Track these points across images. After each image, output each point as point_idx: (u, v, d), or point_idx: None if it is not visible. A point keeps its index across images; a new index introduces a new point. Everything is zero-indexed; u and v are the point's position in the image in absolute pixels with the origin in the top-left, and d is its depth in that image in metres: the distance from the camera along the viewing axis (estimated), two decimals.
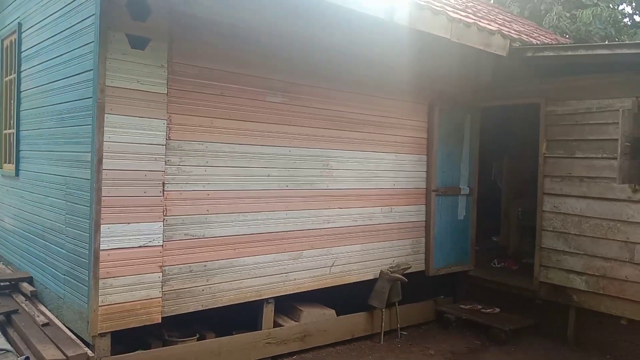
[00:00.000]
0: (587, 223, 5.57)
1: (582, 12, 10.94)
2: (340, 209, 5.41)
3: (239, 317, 4.83)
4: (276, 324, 4.97)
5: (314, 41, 5.04)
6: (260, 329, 4.82)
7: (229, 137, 4.50)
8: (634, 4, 15.55)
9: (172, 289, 4.24)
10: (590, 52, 5.34)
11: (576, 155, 5.65)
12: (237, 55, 4.52)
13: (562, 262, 5.77)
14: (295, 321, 5.07)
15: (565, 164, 5.74)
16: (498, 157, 8.03)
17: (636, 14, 15.78)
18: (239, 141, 4.56)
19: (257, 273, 4.75)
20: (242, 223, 4.62)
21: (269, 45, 4.72)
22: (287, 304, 5.17)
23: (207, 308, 4.47)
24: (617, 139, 5.19)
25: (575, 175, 5.66)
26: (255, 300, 4.79)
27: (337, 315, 5.37)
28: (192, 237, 4.33)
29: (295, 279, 5.03)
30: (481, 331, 5.89)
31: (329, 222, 5.31)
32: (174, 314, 4.28)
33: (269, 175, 4.78)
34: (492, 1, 11.81)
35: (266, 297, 4.83)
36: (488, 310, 6.16)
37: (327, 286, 5.33)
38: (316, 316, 5.18)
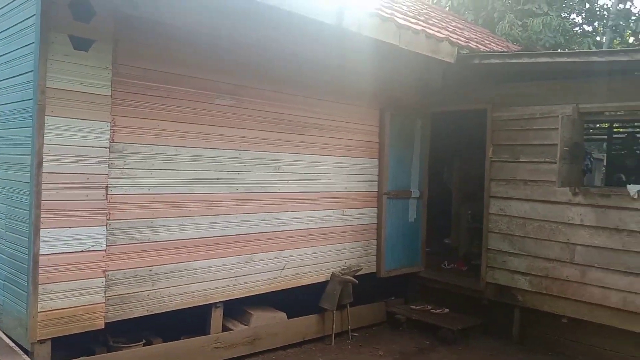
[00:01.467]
0: (531, 225, 5.77)
1: (532, 21, 11.32)
2: (292, 212, 5.44)
3: (189, 322, 4.79)
4: (225, 328, 4.95)
5: (264, 44, 5.05)
6: (209, 334, 4.80)
7: (176, 139, 4.46)
8: (583, 15, 16.23)
9: (116, 294, 4.17)
10: (533, 60, 5.54)
11: (521, 160, 5.85)
12: (183, 57, 4.49)
13: (507, 263, 5.96)
14: (245, 325, 5.07)
15: (511, 168, 5.94)
16: (449, 161, 8.22)
17: (585, 24, 16.46)
18: (187, 144, 4.53)
19: (206, 277, 4.72)
20: (190, 227, 4.59)
21: (217, 47, 4.70)
22: (238, 308, 5.15)
23: (153, 313, 4.41)
24: (557, 144, 5.40)
25: (519, 178, 5.86)
26: (204, 305, 4.76)
27: (289, 318, 5.39)
28: (137, 242, 4.27)
29: (245, 283, 5.03)
30: (431, 331, 6.00)
31: (280, 225, 5.32)
32: (118, 319, 4.21)
33: (217, 179, 4.76)
34: (447, 8, 12.09)
35: (215, 301, 4.80)
36: (437, 311, 6.29)
37: (278, 289, 5.34)
38: (267, 319, 5.19)
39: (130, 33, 4.16)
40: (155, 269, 4.39)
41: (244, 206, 4.99)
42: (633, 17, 14.75)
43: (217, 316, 4.84)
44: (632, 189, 5.10)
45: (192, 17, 4.51)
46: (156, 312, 4.42)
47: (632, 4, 15.55)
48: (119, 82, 4.11)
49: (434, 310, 6.31)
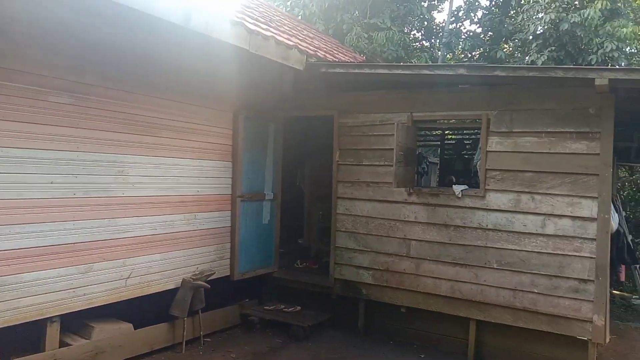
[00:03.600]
0: (373, 223, 6.22)
1: (377, 35, 12.15)
2: (138, 217, 5.21)
3: (23, 339, 4.37)
4: (64, 344, 4.59)
5: (106, 40, 4.79)
6: (44, 351, 4.41)
7: (2, 140, 4.03)
8: (422, 31, 17.87)
9: None
10: (373, 70, 5.99)
11: (364, 163, 6.28)
12: (12, 51, 4.07)
13: (353, 259, 6.34)
14: (86, 339, 4.74)
15: (355, 171, 6.34)
16: (302, 164, 8.51)
17: (424, 40, 18.14)
18: (15, 145, 4.12)
19: (39, 290, 4.33)
20: (19, 236, 4.17)
21: (51, 41, 4.35)
22: (79, 322, 4.81)
23: None
24: (394, 149, 5.89)
25: (362, 180, 6.28)
26: (38, 320, 4.37)
27: (137, 328, 5.16)
28: None
29: (85, 294, 4.70)
30: (283, 330, 6.16)
31: (124, 232, 5.07)
32: None
33: (52, 183, 4.40)
34: (300, 17, 12.49)
35: (50, 315, 4.43)
36: (290, 309, 6.47)
37: (123, 299, 5.08)
38: (110, 332, 4.91)
39: None
40: None
41: (83, 212, 4.67)
42: (462, 37, 16.59)
43: (53, 331, 4.46)
44: (457, 188, 5.75)
45: (21, 6, 4.12)
46: None
47: (462, 25, 17.44)
48: None
49: (286, 309, 6.48)
